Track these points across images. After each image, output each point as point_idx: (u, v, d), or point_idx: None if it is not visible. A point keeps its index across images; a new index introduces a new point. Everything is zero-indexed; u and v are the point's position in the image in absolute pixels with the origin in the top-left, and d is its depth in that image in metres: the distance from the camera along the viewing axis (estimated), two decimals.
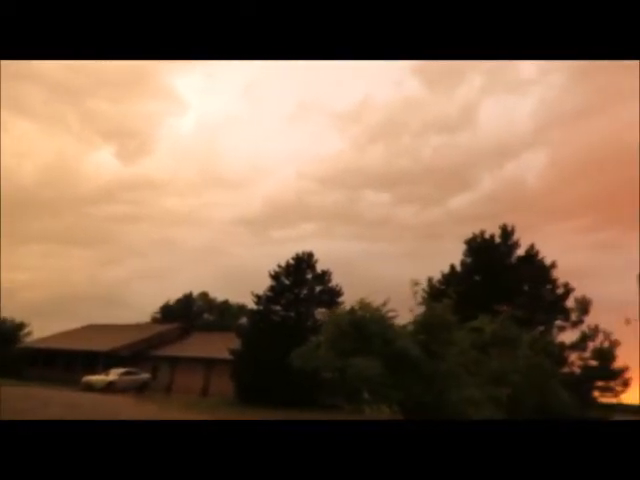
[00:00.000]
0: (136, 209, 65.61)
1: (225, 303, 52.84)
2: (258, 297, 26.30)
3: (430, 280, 21.45)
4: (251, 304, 26.94)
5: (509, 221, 22.44)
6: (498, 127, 59.99)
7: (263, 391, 21.92)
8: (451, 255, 22.64)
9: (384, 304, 10.94)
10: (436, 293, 19.77)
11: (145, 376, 28.44)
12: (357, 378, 8.59)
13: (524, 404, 12.01)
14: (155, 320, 48.36)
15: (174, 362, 31.22)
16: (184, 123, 71.17)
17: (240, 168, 71.54)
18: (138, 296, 60.84)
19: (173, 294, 55.10)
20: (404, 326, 10.75)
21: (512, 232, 21.75)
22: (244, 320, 35.47)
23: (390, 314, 10.78)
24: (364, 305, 10.82)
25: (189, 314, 48.50)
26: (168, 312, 49.13)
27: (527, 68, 56.33)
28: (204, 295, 53.50)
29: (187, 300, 51.76)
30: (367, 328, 9.77)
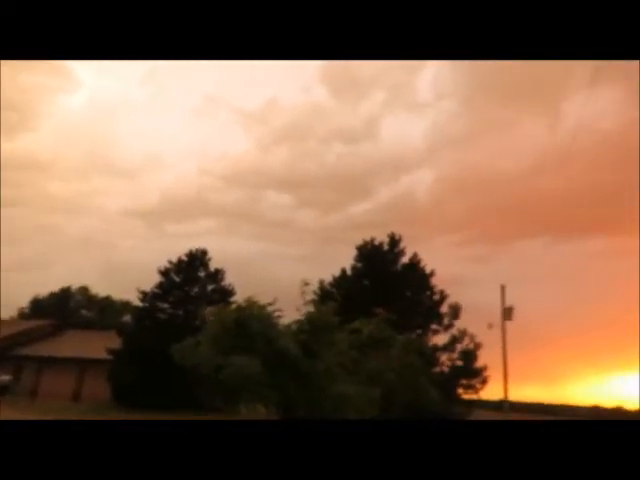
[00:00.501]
0: (13, 191, 58.41)
1: (107, 299, 49.08)
2: (144, 294, 24.90)
3: (321, 282, 22.04)
4: (136, 301, 25.41)
5: (398, 231, 23.98)
6: (396, 142, 63.82)
7: (143, 393, 20.75)
8: (346, 260, 23.46)
9: (271, 303, 11.00)
10: (325, 295, 20.40)
11: (5, 378, 25.32)
12: (235, 377, 8.51)
13: (397, 402, 12.86)
14: (23, 316, 43.33)
15: (42, 363, 28.16)
16: (75, 101, 65.09)
17: (136, 157, 67.27)
18: (9, 288, 54.05)
19: (49, 287, 49.81)
20: (288, 325, 10.91)
21: (399, 241, 23.23)
22: (128, 318, 33.30)
23: (276, 313, 10.87)
24: (251, 303, 10.78)
25: (65, 310, 44.21)
26: (39, 307, 44.32)
27: (424, 92, 60.76)
28: (84, 289, 49.20)
29: (64, 294, 47.18)
30: (250, 326, 9.74)
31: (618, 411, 47.12)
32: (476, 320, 23.45)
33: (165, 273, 25.40)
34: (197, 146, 72.01)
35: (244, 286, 26.00)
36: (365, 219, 54.82)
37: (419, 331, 20.70)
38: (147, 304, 24.66)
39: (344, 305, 18.67)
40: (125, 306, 42.71)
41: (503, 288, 24.69)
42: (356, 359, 11.29)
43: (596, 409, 47.62)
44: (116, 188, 64.91)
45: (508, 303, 24.35)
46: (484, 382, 19.73)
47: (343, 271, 22.86)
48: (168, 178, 67.72)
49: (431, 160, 63.75)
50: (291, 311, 11.62)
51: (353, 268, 22.93)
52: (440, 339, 21.02)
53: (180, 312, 24.50)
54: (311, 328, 10.39)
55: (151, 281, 25.06)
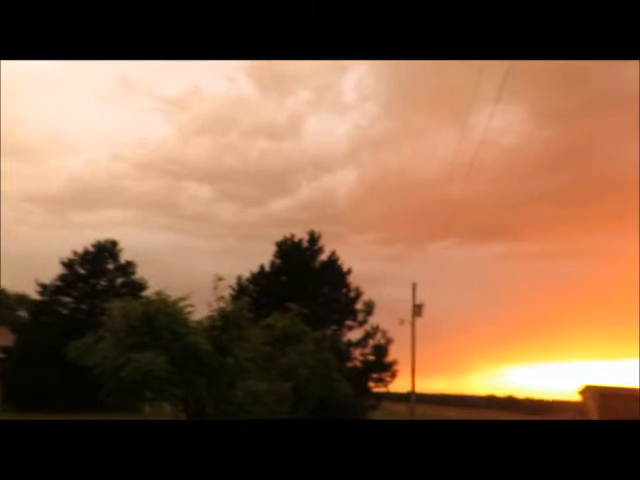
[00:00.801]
0: None
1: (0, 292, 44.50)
2: (44, 286, 22.93)
3: (239, 278, 21.73)
4: (34, 294, 23.32)
5: (318, 228, 24.22)
6: (319, 141, 64.65)
7: (38, 394, 19.10)
8: (265, 256, 23.27)
9: (183, 298, 10.63)
10: (242, 291, 20.16)
11: None
12: (136, 374, 8.10)
13: (309, 396, 13.05)
14: None
15: None
16: None
17: (40, 137, 61.46)
18: None
19: None
20: (200, 321, 10.61)
21: (318, 238, 23.54)
22: (23, 313, 30.50)
23: (188, 309, 10.53)
24: (160, 298, 10.33)
25: None
26: None
27: (348, 93, 62.15)
28: None
29: None
30: (158, 321, 9.33)
31: (509, 399, 52.21)
32: (389, 317, 24.48)
33: (69, 265, 23.55)
34: (111, 131, 67.39)
35: (157, 280, 24.83)
36: (285, 216, 54.97)
37: (334, 327, 21.17)
38: (46, 298, 22.73)
39: (261, 301, 18.63)
40: (21, 300, 39.01)
41: (414, 286, 25.99)
42: (269, 355, 11.27)
43: (491, 398, 52.24)
44: (14, 169, 58.87)
45: (419, 301, 25.71)
46: (393, 376, 20.65)
47: (261, 267, 22.71)
48: (76, 163, 62.72)
49: (352, 161, 65.54)
50: (206, 307, 11.33)
51: (271, 264, 22.86)
52: (354, 335, 21.66)
53: (84, 307, 22.89)
54: (223, 324, 10.20)
55: (52, 273, 23.14)
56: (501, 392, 56.09)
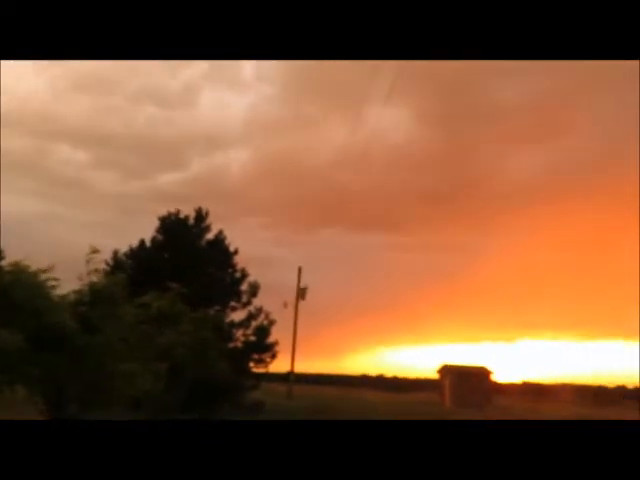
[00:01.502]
0: None
1: None
2: None
3: (115, 252, 20.24)
4: None
5: (207, 206, 23.39)
6: (214, 116, 62.30)
7: None
8: (147, 231, 21.89)
9: (46, 270, 9.57)
10: (118, 266, 18.81)
11: None
12: None
13: (186, 376, 12.71)
14: None
15: None
16: None
17: None
18: None
19: None
20: (65, 296, 9.68)
21: (206, 216, 22.81)
22: None
23: (50, 282, 9.51)
24: (18, 269, 9.19)
25: None
26: None
27: (247, 71, 60.63)
28: None
29: None
30: (13, 295, 8.31)
31: (380, 378, 56.92)
32: (273, 299, 24.79)
33: None
34: None
35: (19, 251, 22.07)
36: (172, 190, 52.21)
37: (218, 307, 20.82)
38: None
39: (139, 278, 17.55)
40: None
41: (300, 270, 26.62)
42: (145, 334, 10.72)
43: (364, 377, 56.31)
44: None
45: (303, 284, 26.41)
46: (274, 356, 21.04)
47: (142, 242, 21.39)
48: None
49: (247, 141, 64.39)
50: (76, 282, 10.33)
51: (153, 240, 21.65)
52: (238, 316, 21.55)
53: None
54: (92, 299, 9.42)
55: None
56: (373, 371, 60.87)
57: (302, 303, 26.45)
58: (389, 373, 60.46)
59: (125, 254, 20.77)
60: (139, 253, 21.10)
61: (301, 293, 25.42)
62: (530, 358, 67.78)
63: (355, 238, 64.83)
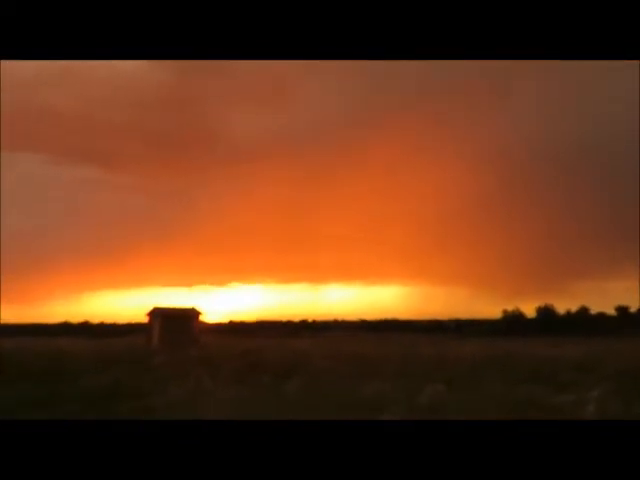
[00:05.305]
0: None
1: None
2: None
3: None
4: None
5: None
6: None
7: None
8: None
9: None
10: None
11: None
12: None
13: None
14: None
15: None
16: None
17: None
18: None
19: None
20: None
21: None
22: None
23: None
24: None
25: None
26: None
27: None
28: None
29: None
30: None
31: (84, 325, 54.43)
32: None
33: None
34: None
35: None
36: None
37: None
38: None
39: None
40: None
41: None
42: None
43: (66, 324, 53.48)
44: None
45: None
46: None
47: None
48: None
49: None
50: None
51: None
52: None
53: None
54: None
55: None
56: (77, 318, 57.42)
57: None
58: (96, 319, 58.51)
59: None
60: None
61: None
62: (239, 300, 72.20)
63: (62, 170, 60.29)
